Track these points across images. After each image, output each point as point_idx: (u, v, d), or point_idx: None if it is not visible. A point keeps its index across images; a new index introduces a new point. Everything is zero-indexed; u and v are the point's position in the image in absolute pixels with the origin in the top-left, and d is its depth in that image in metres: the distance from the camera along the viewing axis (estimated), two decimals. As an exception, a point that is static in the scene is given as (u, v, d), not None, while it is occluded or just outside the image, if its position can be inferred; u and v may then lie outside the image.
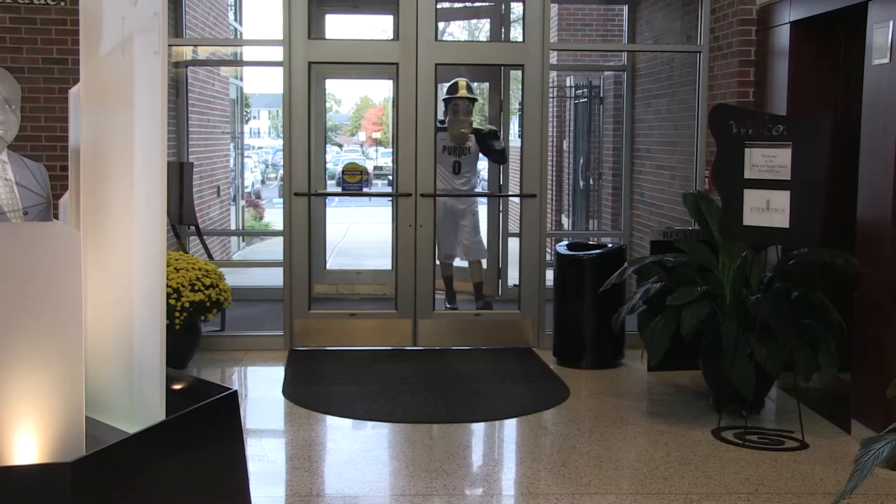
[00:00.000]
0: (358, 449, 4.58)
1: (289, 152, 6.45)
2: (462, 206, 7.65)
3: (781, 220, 4.63)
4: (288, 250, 6.50)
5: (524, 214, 6.66)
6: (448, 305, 7.52)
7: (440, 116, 7.27)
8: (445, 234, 7.51)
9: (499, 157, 7.82)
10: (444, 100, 7.31)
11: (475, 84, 8.35)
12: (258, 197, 19.57)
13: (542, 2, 6.45)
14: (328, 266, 8.89)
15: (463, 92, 7.36)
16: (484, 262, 7.80)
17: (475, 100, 7.58)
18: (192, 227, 7.92)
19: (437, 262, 7.11)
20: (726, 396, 4.96)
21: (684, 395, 5.53)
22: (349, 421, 5.02)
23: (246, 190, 15.24)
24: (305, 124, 6.45)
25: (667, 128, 7.61)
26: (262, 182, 25.02)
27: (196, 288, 5.64)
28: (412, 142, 6.51)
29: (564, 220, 11.65)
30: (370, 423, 4.98)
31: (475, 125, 7.79)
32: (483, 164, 8.59)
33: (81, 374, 2.34)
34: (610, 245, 6.50)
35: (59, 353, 2.29)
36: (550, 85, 7.22)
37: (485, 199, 8.91)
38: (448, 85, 7.45)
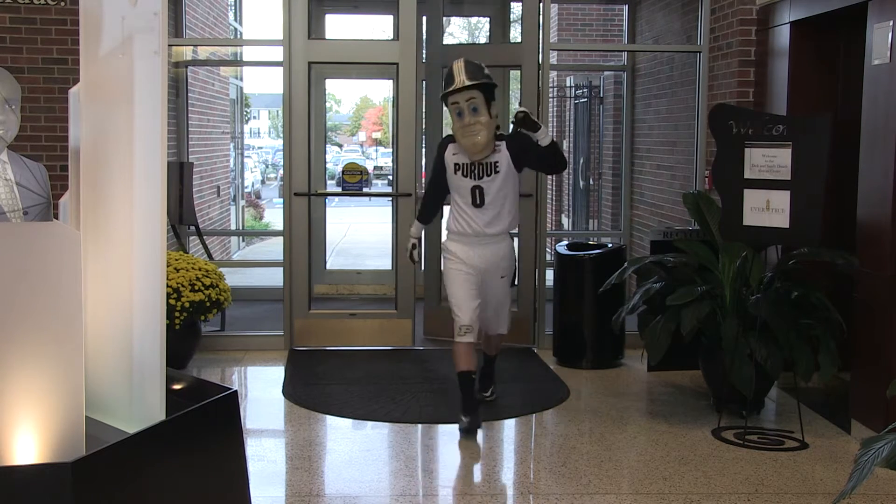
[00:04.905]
0: (358, 449, 4.58)
1: (289, 152, 6.45)
2: (496, 253, 4.86)
3: (781, 220, 4.63)
4: (288, 250, 6.50)
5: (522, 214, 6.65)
6: (464, 421, 4.76)
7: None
8: (466, 291, 4.82)
9: (551, 160, 4.81)
10: (441, 98, 4.91)
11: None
12: (258, 197, 19.60)
13: (541, 2, 6.45)
14: (328, 266, 8.90)
15: (460, 80, 4.68)
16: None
17: (490, 86, 4.71)
18: (192, 227, 7.92)
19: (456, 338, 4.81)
20: (726, 396, 4.96)
21: (684, 395, 5.53)
22: (349, 421, 5.02)
23: (246, 190, 15.26)
24: (305, 124, 6.45)
25: (667, 128, 7.61)
26: (262, 182, 25.07)
27: (196, 288, 5.64)
28: (412, 142, 6.51)
29: (564, 220, 11.65)
30: (370, 423, 4.98)
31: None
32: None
33: (81, 375, 2.34)
34: (610, 245, 6.50)
35: (59, 353, 2.29)
36: (550, 85, 7.22)
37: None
38: (444, 75, 4.91)
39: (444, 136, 5.29)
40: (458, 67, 4.72)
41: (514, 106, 8.14)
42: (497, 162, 4.75)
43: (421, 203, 5.25)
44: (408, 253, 5.11)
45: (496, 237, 4.81)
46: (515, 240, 4.95)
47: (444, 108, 6.42)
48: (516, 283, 5.86)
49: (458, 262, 4.81)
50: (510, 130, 4.91)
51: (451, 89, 4.69)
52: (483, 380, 5.25)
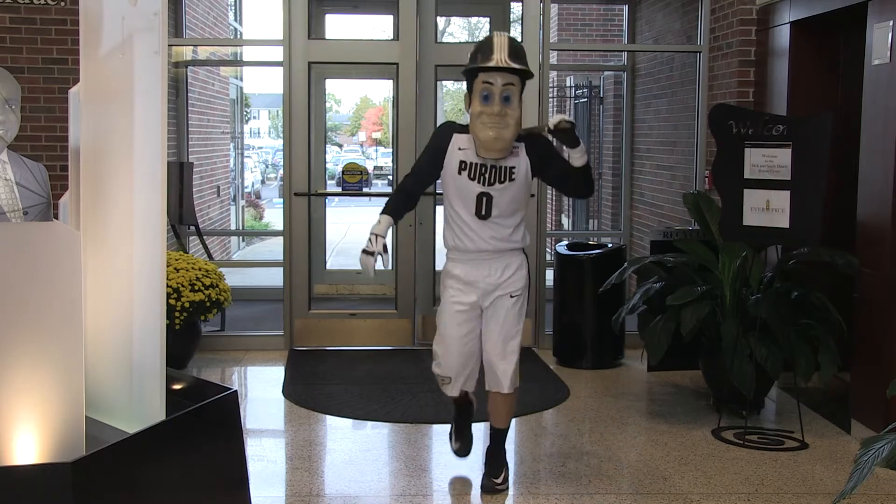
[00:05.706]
0: (358, 449, 4.58)
1: (289, 152, 6.45)
2: (504, 270, 3.91)
3: (781, 220, 4.63)
4: (288, 250, 6.50)
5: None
6: (455, 445, 4.36)
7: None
8: (457, 336, 3.95)
9: (578, 184, 3.94)
10: (464, 72, 3.81)
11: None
12: (258, 197, 19.59)
13: (541, 2, 6.44)
14: (328, 266, 8.89)
15: (502, 57, 3.68)
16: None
17: (527, 75, 3.74)
18: (192, 227, 7.92)
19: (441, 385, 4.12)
20: (726, 396, 4.96)
21: (684, 395, 5.53)
22: (349, 421, 5.02)
23: (246, 190, 15.26)
24: (305, 124, 6.45)
25: (667, 128, 7.61)
26: (262, 182, 25.06)
27: (196, 288, 5.64)
28: (412, 142, 6.50)
29: (564, 220, 11.65)
30: (370, 423, 4.98)
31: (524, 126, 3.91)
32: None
33: (81, 375, 2.34)
34: (610, 245, 6.50)
35: (59, 353, 2.29)
36: (550, 85, 7.21)
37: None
38: (477, 45, 3.81)
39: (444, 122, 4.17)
40: (501, 43, 3.70)
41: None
42: (514, 167, 3.78)
43: (394, 194, 4.06)
44: (373, 256, 3.79)
45: (503, 253, 3.89)
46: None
47: (437, 94, 6.24)
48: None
49: (459, 293, 3.91)
50: (530, 137, 3.85)
51: (489, 65, 3.66)
52: (490, 461, 4.08)
